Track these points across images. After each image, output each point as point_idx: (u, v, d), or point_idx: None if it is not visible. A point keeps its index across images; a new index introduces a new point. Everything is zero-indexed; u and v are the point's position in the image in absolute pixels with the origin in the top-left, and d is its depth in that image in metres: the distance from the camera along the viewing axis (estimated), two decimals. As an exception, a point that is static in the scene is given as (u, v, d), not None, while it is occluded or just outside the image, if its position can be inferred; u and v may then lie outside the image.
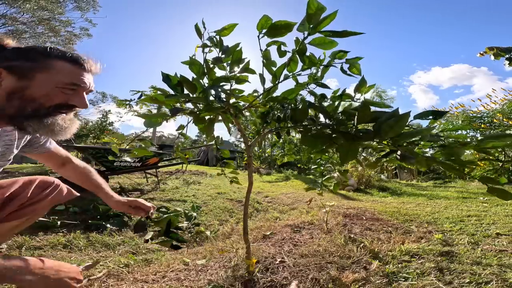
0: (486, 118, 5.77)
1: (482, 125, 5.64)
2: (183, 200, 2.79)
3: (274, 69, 0.93)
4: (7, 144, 0.84)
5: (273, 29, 0.78)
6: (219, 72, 0.98)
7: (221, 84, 0.95)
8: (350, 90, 0.99)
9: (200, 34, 0.93)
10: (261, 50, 0.89)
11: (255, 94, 1.15)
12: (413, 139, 0.72)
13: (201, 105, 0.98)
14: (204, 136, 1.12)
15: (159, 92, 0.97)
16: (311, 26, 0.73)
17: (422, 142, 0.76)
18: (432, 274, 1.12)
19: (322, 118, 0.94)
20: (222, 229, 2.00)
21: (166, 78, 0.91)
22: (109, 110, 10.65)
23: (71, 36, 13.82)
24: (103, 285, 1.05)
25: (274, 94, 1.02)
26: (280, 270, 1.17)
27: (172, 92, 0.92)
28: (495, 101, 5.90)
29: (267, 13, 0.78)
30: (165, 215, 1.10)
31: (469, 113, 6.15)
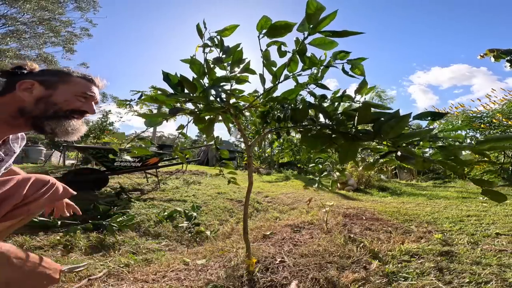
0: (485, 118, 5.77)
1: (482, 125, 5.64)
2: (183, 200, 2.79)
3: (274, 69, 0.93)
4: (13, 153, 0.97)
5: (273, 29, 0.79)
6: (219, 72, 0.98)
7: (221, 84, 0.95)
8: (350, 91, 1.00)
9: (201, 34, 0.93)
10: (261, 50, 0.89)
11: (255, 94, 1.15)
12: (413, 139, 0.73)
13: (201, 105, 0.98)
14: (204, 136, 1.12)
15: (159, 92, 0.98)
16: (310, 26, 0.73)
17: (421, 143, 0.77)
18: (432, 274, 1.13)
19: (322, 118, 0.94)
20: (222, 229, 2.00)
21: (166, 77, 0.91)
22: (109, 110, 10.67)
23: (71, 36, 13.83)
24: (103, 284, 1.05)
25: (274, 94, 1.02)
26: (280, 270, 1.17)
27: (172, 91, 0.92)
28: (494, 101, 5.91)
29: (267, 13, 0.78)
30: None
31: (468, 113, 6.16)
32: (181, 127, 1.28)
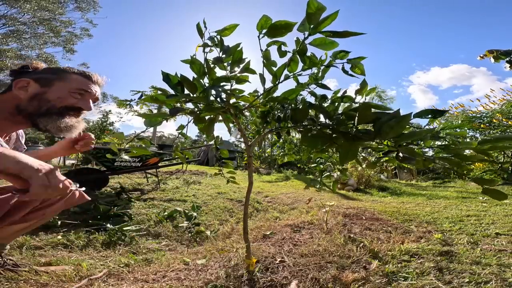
0: (485, 118, 5.78)
1: (482, 125, 5.64)
2: (183, 200, 2.79)
3: (275, 69, 0.93)
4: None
5: (273, 29, 0.79)
6: (219, 72, 0.98)
7: (221, 84, 0.95)
8: (350, 90, 1.00)
9: (201, 34, 0.93)
10: (261, 50, 0.89)
11: (256, 94, 1.15)
12: (414, 139, 0.73)
13: (201, 105, 0.98)
14: (204, 136, 1.12)
15: (159, 92, 0.98)
16: (311, 26, 0.73)
17: (422, 142, 0.77)
18: (432, 274, 1.13)
19: (322, 118, 0.94)
20: (222, 229, 2.00)
21: (166, 77, 0.91)
22: (110, 110, 10.67)
23: (71, 36, 13.83)
24: (103, 284, 1.05)
25: (275, 94, 1.02)
26: (280, 269, 1.17)
27: (172, 91, 0.92)
28: (494, 101, 5.91)
29: (267, 13, 0.78)
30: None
31: (468, 113, 6.16)
32: (181, 127, 1.28)
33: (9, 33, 12.41)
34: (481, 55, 2.49)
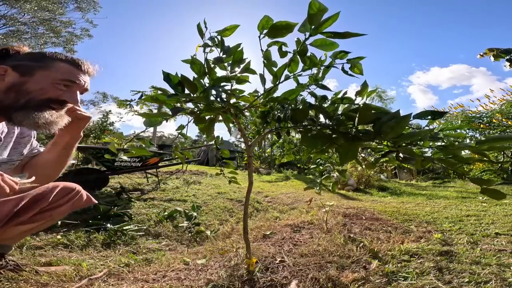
0: (485, 118, 5.78)
1: (481, 125, 5.65)
2: (183, 200, 2.79)
3: (275, 69, 0.94)
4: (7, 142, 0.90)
5: (274, 29, 0.79)
6: (220, 72, 0.99)
7: (222, 84, 0.95)
8: (350, 91, 1.00)
9: (202, 34, 0.93)
10: (262, 50, 0.89)
11: (256, 94, 1.15)
12: (413, 139, 0.73)
13: (201, 105, 0.98)
14: (204, 136, 1.12)
15: (159, 92, 0.98)
16: (312, 27, 0.73)
17: (421, 143, 0.77)
18: (432, 274, 1.13)
19: (322, 119, 0.94)
20: (222, 229, 2.00)
21: (166, 77, 0.91)
22: (110, 111, 10.69)
23: (72, 36, 13.83)
24: (103, 284, 1.05)
25: (275, 95, 1.02)
26: (280, 269, 1.17)
27: (172, 91, 0.93)
28: (493, 101, 5.92)
29: (267, 13, 0.79)
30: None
31: (468, 113, 6.17)
32: (181, 127, 1.28)
33: (10, 33, 12.41)
34: (481, 53, 2.49)
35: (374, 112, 0.75)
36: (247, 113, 1.37)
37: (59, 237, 1.54)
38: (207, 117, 1.07)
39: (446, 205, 2.94)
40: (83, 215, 1.96)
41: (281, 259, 1.27)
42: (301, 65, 0.92)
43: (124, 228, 1.72)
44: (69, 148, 0.97)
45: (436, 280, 1.08)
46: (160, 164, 3.53)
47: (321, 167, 1.56)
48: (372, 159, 1.00)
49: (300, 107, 0.98)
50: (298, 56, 0.87)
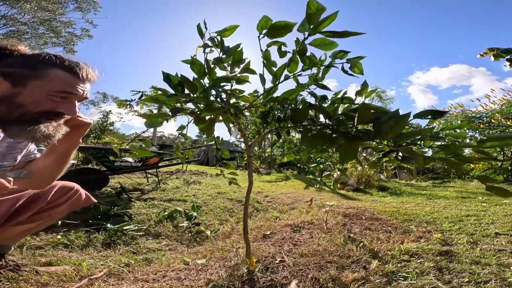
0: (485, 118, 5.79)
1: (481, 125, 5.65)
2: (183, 200, 2.79)
3: (275, 69, 0.94)
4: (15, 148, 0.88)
5: (273, 29, 0.79)
6: (220, 72, 0.99)
7: (221, 84, 0.95)
8: (349, 91, 1.00)
9: (201, 34, 0.94)
10: (261, 50, 0.89)
11: (256, 94, 1.15)
12: (413, 139, 0.73)
13: (201, 105, 0.98)
14: (205, 136, 1.12)
15: (159, 92, 0.98)
16: (311, 26, 0.73)
17: (422, 142, 0.77)
18: (431, 274, 1.13)
19: (322, 119, 0.95)
20: (222, 229, 2.00)
21: (166, 77, 0.91)
22: (110, 111, 10.70)
23: (72, 37, 13.84)
24: (103, 284, 1.05)
25: (275, 95, 1.02)
26: (280, 269, 1.17)
27: (173, 91, 0.93)
28: (494, 101, 5.92)
29: (267, 13, 0.79)
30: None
31: (468, 113, 6.17)
32: (182, 127, 1.29)
33: (10, 33, 12.42)
34: (481, 53, 2.49)
35: (374, 111, 0.75)
36: (247, 113, 1.38)
37: (59, 237, 1.54)
38: (207, 117, 1.07)
39: (446, 205, 2.94)
40: (83, 215, 1.96)
41: (281, 259, 1.27)
42: (300, 65, 0.92)
43: (124, 228, 1.72)
44: (67, 154, 0.92)
45: (436, 280, 1.08)
46: (160, 164, 3.53)
47: (321, 166, 1.56)
48: (373, 159, 1.00)
49: (300, 107, 0.98)
50: (297, 56, 0.87)
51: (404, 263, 1.24)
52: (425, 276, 1.12)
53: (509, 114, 5.42)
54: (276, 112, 1.23)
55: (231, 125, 1.24)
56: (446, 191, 4.46)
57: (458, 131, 0.96)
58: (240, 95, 1.07)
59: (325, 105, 1.00)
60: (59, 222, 1.72)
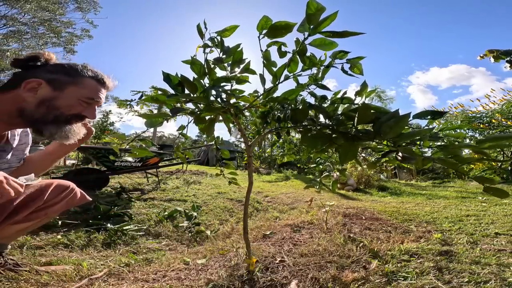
0: (484, 118, 5.79)
1: (481, 125, 5.65)
2: (183, 199, 2.79)
3: (275, 69, 0.94)
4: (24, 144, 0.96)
5: (273, 29, 0.79)
6: (220, 72, 0.99)
7: (221, 84, 0.95)
8: (349, 91, 1.00)
9: (201, 34, 0.94)
10: (261, 50, 0.89)
11: (256, 94, 1.15)
12: (413, 139, 0.73)
13: (201, 105, 0.98)
14: (205, 136, 1.13)
15: (160, 92, 0.98)
16: (311, 26, 0.73)
17: (421, 142, 0.77)
18: (431, 274, 1.13)
19: (322, 119, 0.95)
20: (222, 229, 2.01)
21: (167, 77, 0.92)
22: (110, 111, 10.70)
23: (72, 37, 13.83)
24: (104, 284, 1.05)
25: (275, 95, 1.02)
26: (280, 269, 1.18)
27: (173, 92, 0.93)
28: (494, 101, 5.92)
29: (267, 13, 0.79)
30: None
31: (468, 113, 6.17)
32: (182, 127, 1.29)
33: (10, 33, 12.42)
34: (481, 55, 2.49)
35: (373, 111, 0.75)
36: (247, 113, 1.38)
37: (59, 237, 1.54)
38: (207, 117, 1.07)
39: (446, 205, 2.94)
40: (83, 215, 1.96)
41: (281, 259, 1.27)
42: (300, 65, 0.92)
43: (124, 228, 1.72)
44: (64, 155, 1.07)
45: (435, 280, 1.08)
46: (160, 164, 3.53)
47: (321, 166, 1.56)
48: (373, 159, 1.00)
49: (300, 107, 0.98)
50: (297, 56, 0.87)
51: (404, 263, 1.24)
52: (425, 276, 1.12)
53: (509, 114, 5.42)
54: (276, 112, 1.23)
55: (231, 125, 1.24)
56: (446, 191, 4.46)
57: (458, 131, 0.96)
58: (240, 95, 1.07)
59: (325, 105, 1.00)
60: (60, 222, 1.72)
